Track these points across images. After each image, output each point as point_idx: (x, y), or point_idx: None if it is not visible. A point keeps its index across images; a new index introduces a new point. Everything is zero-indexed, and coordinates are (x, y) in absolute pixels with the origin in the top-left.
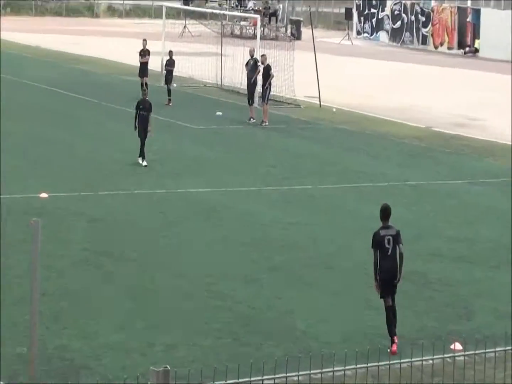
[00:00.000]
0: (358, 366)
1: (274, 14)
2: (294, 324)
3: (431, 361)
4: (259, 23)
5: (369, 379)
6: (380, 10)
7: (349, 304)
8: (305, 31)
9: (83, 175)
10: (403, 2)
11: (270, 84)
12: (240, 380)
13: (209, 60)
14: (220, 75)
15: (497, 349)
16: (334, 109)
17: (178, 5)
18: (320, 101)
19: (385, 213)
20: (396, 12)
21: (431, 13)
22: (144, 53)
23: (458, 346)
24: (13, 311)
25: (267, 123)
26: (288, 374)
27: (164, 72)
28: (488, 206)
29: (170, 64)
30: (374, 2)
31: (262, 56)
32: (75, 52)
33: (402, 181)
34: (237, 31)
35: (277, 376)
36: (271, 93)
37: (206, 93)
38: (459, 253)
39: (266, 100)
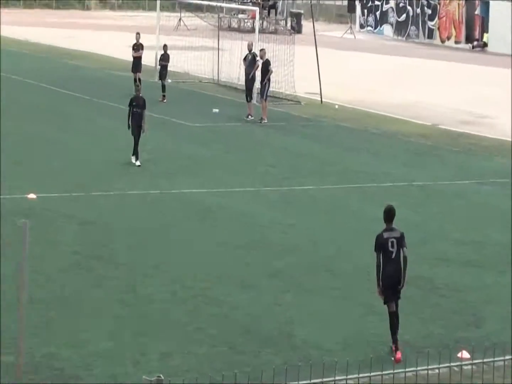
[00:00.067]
0: (360, 375)
1: (274, 6)
2: (294, 331)
3: (437, 370)
4: (257, 15)
5: None
6: (384, 3)
7: (351, 310)
8: (306, 24)
9: (73, 175)
10: None
11: (269, 79)
12: None
13: (206, 55)
14: (217, 70)
15: (507, 357)
16: (336, 106)
17: None
18: (321, 98)
19: (389, 214)
20: (401, 5)
21: (438, 6)
22: (138, 47)
23: (465, 354)
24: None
25: (266, 121)
26: (287, 383)
27: (158, 67)
28: (497, 207)
29: (164, 58)
30: None
31: (261, 50)
32: (65, 46)
33: (407, 182)
34: (234, 24)
35: None
36: (270, 89)
37: (202, 89)
38: (467, 257)
39: (265, 96)
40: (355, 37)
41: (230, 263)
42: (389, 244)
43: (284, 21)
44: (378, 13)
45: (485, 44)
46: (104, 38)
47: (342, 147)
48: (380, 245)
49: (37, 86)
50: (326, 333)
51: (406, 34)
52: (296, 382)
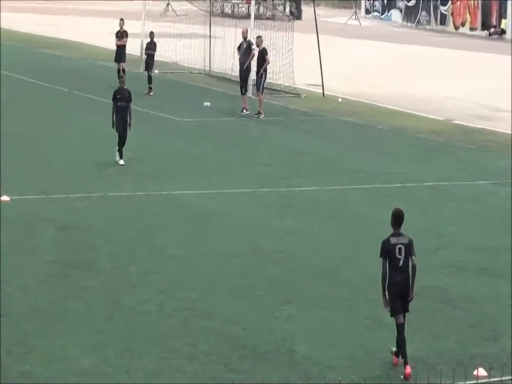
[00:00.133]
0: None
1: None
2: (293, 346)
3: None
4: (253, 0)
5: None
6: None
7: (356, 323)
8: (306, 10)
9: (51, 176)
10: None
11: (265, 70)
12: None
13: (196, 43)
14: (208, 60)
15: None
16: (340, 99)
17: None
18: (323, 90)
19: (397, 218)
20: None
21: None
22: (121, 34)
23: (482, 372)
24: None
25: (262, 115)
26: None
27: (144, 56)
28: None
29: (151, 47)
30: None
31: (258, 38)
32: (44, 34)
33: (417, 182)
34: (228, 10)
35: None
36: (267, 80)
37: (193, 81)
38: (483, 265)
39: (261, 88)
40: (360, 23)
41: (223, 272)
42: (396, 250)
43: (282, 6)
44: None
45: (503, 31)
46: (85, 24)
47: (345, 144)
48: (387, 251)
49: (13, 78)
50: (328, 348)
51: (416, 20)
52: None
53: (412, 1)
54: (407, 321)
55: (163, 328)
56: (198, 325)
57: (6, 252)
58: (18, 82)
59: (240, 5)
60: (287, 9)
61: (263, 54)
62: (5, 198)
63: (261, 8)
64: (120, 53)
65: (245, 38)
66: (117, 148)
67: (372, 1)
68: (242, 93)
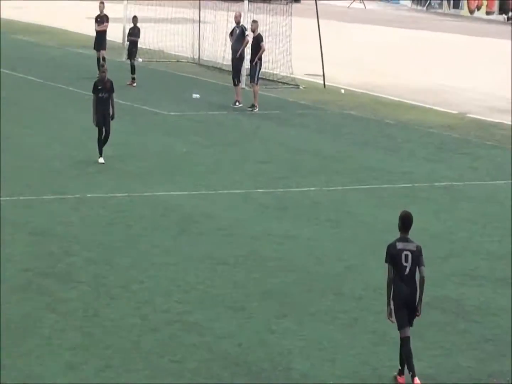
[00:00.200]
0: None
1: None
2: (291, 363)
3: None
4: None
5: None
6: None
7: (360, 338)
8: None
9: (23, 175)
10: None
11: (261, 59)
12: None
13: (184, 28)
14: (197, 48)
15: None
16: (342, 91)
17: None
18: (324, 81)
19: (406, 222)
20: None
21: None
22: (101, 19)
23: None
24: None
25: (257, 108)
26: None
27: (127, 43)
28: None
29: (134, 33)
30: None
31: (253, 23)
32: (14, 18)
33: (429, 182)
34: None
35: None
36: (263, 70)
37: (180, 70)
38: (502, 274)
39: (256, 79)
40: (365, 6)
41: (213, 282)
42: (403, 257)
43: None
44: None
45: None
46: (61, 8)
47: (348, 140)
48: (392, 256)
49: None
50: (328, 365)
51: (427, 4)
52: None
53: None
54: (416, 334)
55: (147, 343)
56: (186, 340)
57: None
58: None
59: None
60: None
61: (258, 40)
62: None
63: None
64: (100, 40)
65: (238, 23)
66: (97, 145)
67: None
68: (234, 84)
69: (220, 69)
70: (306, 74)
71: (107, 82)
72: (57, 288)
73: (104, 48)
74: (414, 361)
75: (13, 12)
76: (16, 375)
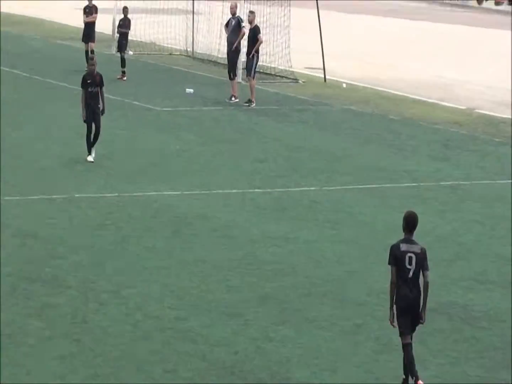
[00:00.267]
0: None
1: None
2: (290, 372)
3: None
4: None
5: None
6: None
7: (362, 346)
8: None
9: (8, 174)
10: None
11: (258, 51)
12: None
13: (177, 20)
14: (191, 40)
15: None
16: (344, 85)
17: None
18: (324, 74)
19: (410, 223)
20: None
21: None
22: (90, 10)
23: None
24: None
25: (254, 104)
26: None
27: (117, 35)
28: None
29: (124, 25)
30: None
31: (251, 13)
32: None
33: (435, 181)
34: None
35: None
36: (260, 63)
37: (173, 64)
38: (510, 278)
39: (253, 73)
40: None
41: (208, 287)
42: (406, 260)
43: None
44: None
45: None
46: None
47: (351, 137)
48: (395, 257)
49: None
50: (330, 375)
51: None
52: None
53: None
54: (421, 342)
55: (139, 352)
56: (180, 348)
57: None
58: None
59: None
60: None
61: (255, 32)
62: None
63: None
64: (89, 32)
65: (234, 14)
66: (86, 142)
67: None
68: (230, 78)
69: (215, 63)
70: (306, 68)
71: (96, 76)
72: (43, 294)
73: (93, 40)
74: (419, 369)
75: None
76: None
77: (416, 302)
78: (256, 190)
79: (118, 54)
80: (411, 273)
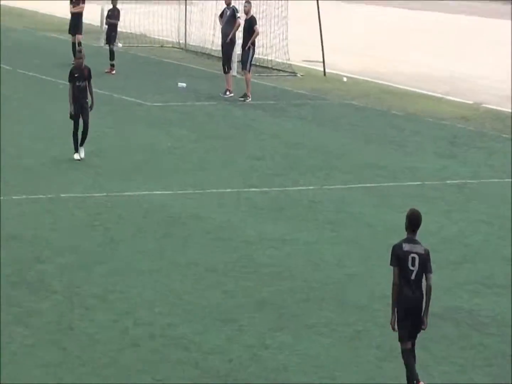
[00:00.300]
0: None
1: None
2: (287, 381)
3: None
4: None
5: None
6: None
7: (364, 353)
8: None
9: None
10: None
11: (254, 43)
12: None
13: (168, 10)
14: (183, 31)
15: None
16: (344, 78)
17: None
18: (324, 67)
19: (413, 221)
20: None
21: None
22: (77, 0)
23: None
24: None
25: (250, 98)
26: None
27: (105, 27)
28: None
29: (113, 15)
30: None
31: (247, 3)
32: None
33: (441, 180)
34: None
35: None
36: (256, 56)
37: (164, 57)
38: None
39: (249, 66)
40: None
41: (202, 291)
42: (409, 260)
43: None
44: None
45: None
46: None
47: (352, 133)
48: (397, 258)
49: None
50: (329, 383)
51: None
52: None
53: None
54: (426, 349)
55: (128, 360)
56: (171, 356)
57: None
58: None
59: None
60: None
61: (251, 23)
62: None
63: None
64: (76, 23)
65: (228, 4)
66: (72, 139)
67: None
68: (225, 72)
69: (208, 55)
70: (304, 61)
71: (84, 69)
72: (27, 299)
73: (80, 32)
74: (423, 377)
75: None
76: None
77: (418, 305)
78: (252, 189)
79: (107, 47)
80: (413, 275)
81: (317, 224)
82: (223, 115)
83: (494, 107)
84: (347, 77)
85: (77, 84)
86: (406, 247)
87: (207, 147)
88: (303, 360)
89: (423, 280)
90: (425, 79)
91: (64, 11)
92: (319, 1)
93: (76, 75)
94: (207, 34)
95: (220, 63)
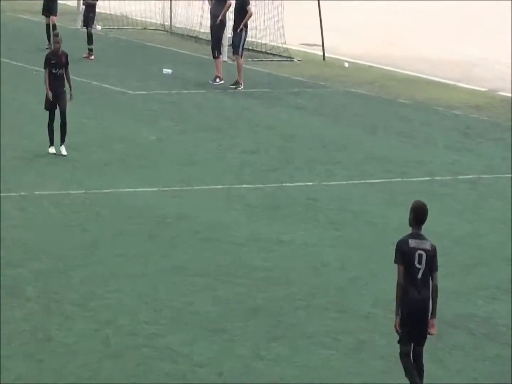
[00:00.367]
0: None
1: None
2: None
3: None
4: None
5: None
6: None
7: (368, 365)
8: None
9: None
10: None
11: (246, 25)
12: None
13: None
14: (168, 13)
15: None
16: (346, 64)
17: None
18: (323, 52)
19: (419, 214)
20: None
21: None
22: None
23: None
24: None
25: (242, 86)
26: None
27: (82, 8)
28: None
29: None
30: None
31: None
32: None
33: (452, 175)
34: None
35: None
36: (249, 39)
37: (148, 40)
38: None
39: (241, 50)
40: None
41: (190, 298)
42: (416, 257)
43: None
44: None
45: None
46: None
47: (355, 124)
48: (403, 254)
49: None
50: None
51: None
52: None
53: None
54: (437, 360)
55: (110, 372)
56: (157, 368)
57: None
58: None
59: None
60: None
61: (243, 3)
62: None
63: None
64: (50, 3)
65: None
66: (47, 132)
67: None
68: (214, 57)
69: (196, 38)
70: (302, 44)
71: (61, 55)
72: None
73: (55, 14)
74: None
75: None
76: None
77: (425, 307)
78: (245, 185)
79: (84, 29)
80: (420, 274)
81: (316, 224)
82: (213, 105)
83: (510, 95)
84: (348, 62)
85: (54, 71)
86: (412, 243)
87: (195, 140)
88: (301, 373)
89: (430, 281)
90: (435, 64)
91: None
92: None
93: (52, 62)
94: (195, 15)
95: (209, 47)
